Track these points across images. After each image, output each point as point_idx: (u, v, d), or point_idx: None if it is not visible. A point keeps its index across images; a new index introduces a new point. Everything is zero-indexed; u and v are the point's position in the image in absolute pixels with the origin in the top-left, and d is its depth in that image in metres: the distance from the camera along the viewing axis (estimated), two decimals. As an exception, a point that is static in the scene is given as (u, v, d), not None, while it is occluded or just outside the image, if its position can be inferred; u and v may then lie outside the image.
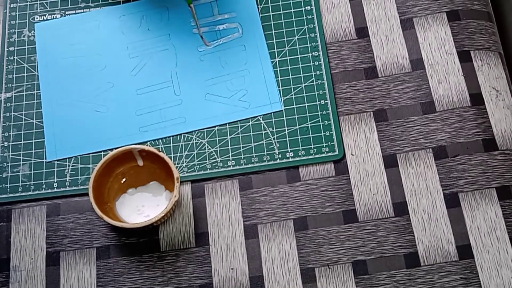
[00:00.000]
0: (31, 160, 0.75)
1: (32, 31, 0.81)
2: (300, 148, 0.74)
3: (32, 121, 0.77)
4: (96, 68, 0.79)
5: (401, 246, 0.69)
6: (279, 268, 0.69)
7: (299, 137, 0.74)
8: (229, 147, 0.74)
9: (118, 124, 0.76)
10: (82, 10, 0.82)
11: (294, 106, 0.76)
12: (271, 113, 0.76)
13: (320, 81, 0.77)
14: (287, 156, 0.73)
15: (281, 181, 0.73)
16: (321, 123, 0.75)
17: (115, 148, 0.74)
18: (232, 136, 0.75)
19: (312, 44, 0.79)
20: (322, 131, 0.74)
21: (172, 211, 0.71)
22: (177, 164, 0.74)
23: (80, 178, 0.74)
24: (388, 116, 0.75)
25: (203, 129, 0.75)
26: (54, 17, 0.82)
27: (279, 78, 0.77)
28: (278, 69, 0.78)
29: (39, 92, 0.78)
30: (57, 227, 0.72)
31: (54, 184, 0.74)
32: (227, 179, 0.73)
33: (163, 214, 0.67)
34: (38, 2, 0.83)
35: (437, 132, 0.73)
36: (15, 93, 0.78)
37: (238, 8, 0.81)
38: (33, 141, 0.76)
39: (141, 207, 0.71)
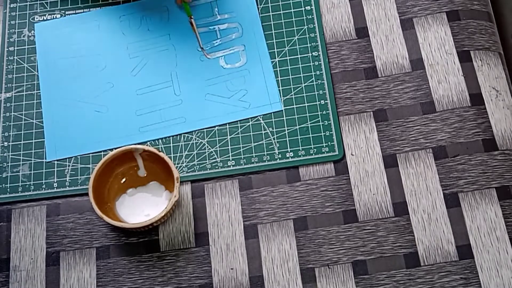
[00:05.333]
0: (31, 160, 0.75)
1: (32, 31, 0.81)
2: (300, 148, 0.74)
3: (32, 121, 0.77)
4: (96, 68, 0.79)
5: (401, 246, 0.69)
6: (279, 268, 0.69)
7: (299, 137, 0.74)
8: (229, 147, 0.74)
9: (118, 124, 0.76)
10: (82, 10, 0.82)
11: (294, 106, 0.76)
12: (271, 113, 0.76)
13: (320, 81, 0.77)
14: (287, 156, 0.73)
15: (281, 181, 0.73)
16: (321, 123, 0.75)
17: (115, 148, 0.74)
18: (232, 136, 0.75)
19: (312, 44, 0.79)
20: (322, 131, 0.74)
21: (172, 211, 0.71)
22: (177, 164, 0.74)
23: (80, 178, 0.74)
24: (388, 116, 0.75)
25: (203, 129, 0.75)
26: (54, 17, 0.82)
27: (279, 78, 0.77)
28: (278, 69, 0.78)
29: (39, 92, 0.78)
30: (57, 227, 0.72)
31: (54, 184, 0.74)
32: (227, 179, 0.73)
33: (163, 214, 0.67)
34: (38, 2, 0.83)
35: (437, 132, 0.73)
36: (15, 93, 0.78)
37: (238, 8, 0.81)
38: (33, 141, 0.76)
39: (141, 207, 0.71)
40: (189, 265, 0.70)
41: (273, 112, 0.76)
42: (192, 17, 0.78)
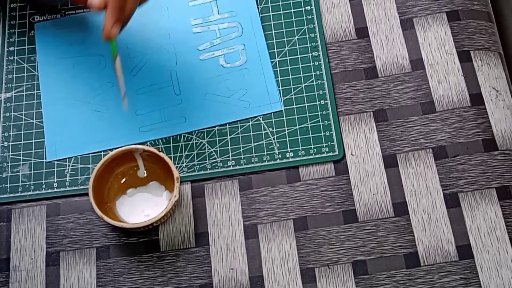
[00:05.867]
0: (31, 160, 0.75)
1: (32, 31, 0.81)
2: (300, 148, 0.74)
3: (32, 121, 0.77)
4: (96, 68, 0.79)
5: (401, 246, 0.69)
6: (279, 268, 0.69)
7: (299, 137, 0.74)
8: (229, 147, 0.74)
9: (118, 124, 0.76)
10: (82, 10, 0.82)
11: (294, 106, 0.76)
12: (271, 113, 0.76)
13: (320, 81, 0.77)
14: (287, 156, 0.73)
15: (281, 181, 0.73)
16: (321, 123, 0.75)
17: (115, 148, 0.74)
18: (232, 136, 0.75)
19: (312, 44, 0.79)
20: (322, 131, 0.74)
21: (172, 211, 0.71)
22: (177, 164, 0.74)
23: (80, 178, 0.74)
24: (388, 116, 0.75)
25: (203, 129, 0.75)
26: (54, 17, 0.82)
27: (279, 78, 0.77)
28: (278, 69, 0.78)
29: (39, 92, 0.78)
30: (57, 227, 0.72)
31: (54, 184, 0.74)
32: (227, 179, 0.73)
33: (163, 214, 0.67)
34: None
35: (437, 132, 0.73)
36: (15, 93, 0.78)
37: (238, 7, 0.81)
38: (33, 141, 0.76)
39: (141, 207, 0.71)
40: (189, 265, 0.70)
41: (273, 112, 0.76)
42: (117, 56, 0.67)
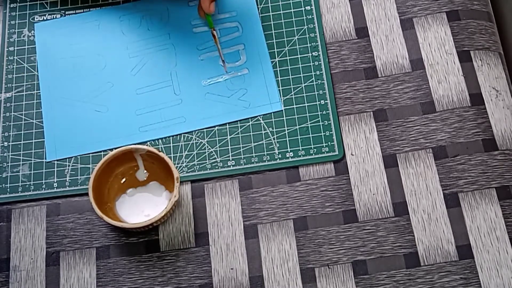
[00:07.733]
0: (31, 160, 0.75)
1: (32, 31, 0.81)
2: (300, 148, 0.74)
3: (32, 121, 0.77)
4: (96, 68, 0.79)
5: (401, 246, 0.69)
6: (279, 268, 0.69)
7: (299, 137, 0.74)
8: (229, 147, 0.74)
9: (118, 124, 0.76)
10: (82, 10, 0.82)
11: (294, 106, 0.76)
12: (271, 113, 0.76)
13: (320, 81, 0.77)
14: (287, 156, 0.73)
15: (281, 181, 0.73)
16: (321, 123, 0.75)
17: (115, 148, 0.74)
18: (232, 136, 0.75)
19: (312, 44, 0.79)
20: (322, 131, 0.74)
21: (172, 211, 0.71)
22: (177, 164, 0.74)
23: (80, 178, 0.74)
24: (388, 116, 0.75)
25: (203, 129, 0.75)
26: (54, 17, 0.82)
27: (279, 78, 0.77)
28: (278, 69, 0.78)
29: (39, 92, 0.78)
30: (57, 227, 0.72)
31: (54, 184, 0.74)
32: (227, 179, 0.73)
33: (163, 214, 0.67)
34: (38, 2, 0.83)
35: (437, 132, 0.73)
36: (15, 93, 0.78)
37: (238, 7, 0.81)
38: (33, 141, 0.76)
39: (141, 207, 0.71)
40: (189, 265, 0.70)
41: (273, 112, 0.76)
42: (214, 29, 0.78)
